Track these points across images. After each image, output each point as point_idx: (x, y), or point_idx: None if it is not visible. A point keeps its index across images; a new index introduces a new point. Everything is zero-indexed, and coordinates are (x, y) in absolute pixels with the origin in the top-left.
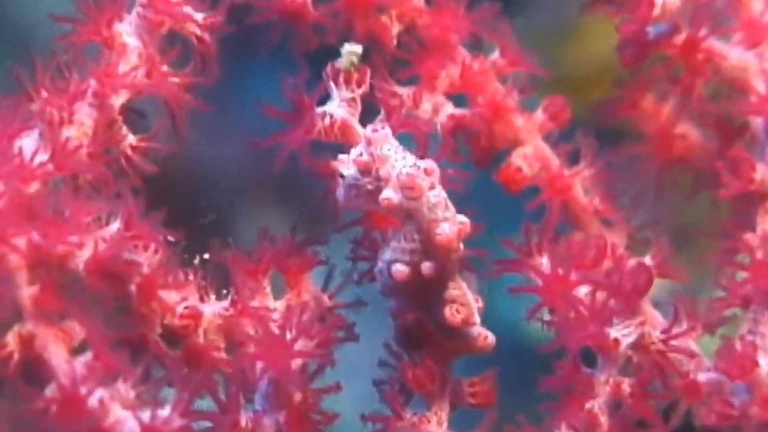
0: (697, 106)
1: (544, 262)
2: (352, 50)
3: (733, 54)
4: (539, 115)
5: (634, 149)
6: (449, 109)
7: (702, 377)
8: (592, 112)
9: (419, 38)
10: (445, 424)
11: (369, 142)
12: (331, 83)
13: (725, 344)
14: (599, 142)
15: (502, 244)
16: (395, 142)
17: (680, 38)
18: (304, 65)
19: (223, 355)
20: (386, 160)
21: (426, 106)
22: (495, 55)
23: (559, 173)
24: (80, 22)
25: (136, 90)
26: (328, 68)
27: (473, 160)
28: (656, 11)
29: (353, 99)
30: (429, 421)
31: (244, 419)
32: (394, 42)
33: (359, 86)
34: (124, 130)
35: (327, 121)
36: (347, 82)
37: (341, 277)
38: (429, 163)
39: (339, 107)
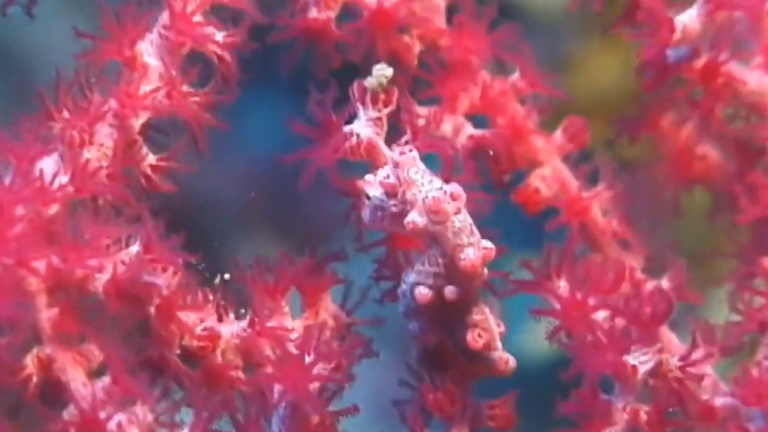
0: (717, 130)
1: (563, 285)
2: (383, 72)
3: (753, 78)
4: (558, 136)
5: (653, 170)
6: (469, 129)
7: (718, 402)
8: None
9: (440, 59)
10: None
11: (396, 165)
12: (358, 102)
13: (742, 370)
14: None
15: (521, 265)
16: (422, 166)
17: (700, 62)
18: (332, 84)
19: (240, 375)
20: (413, 184)
21: (446, 127)
22: (515, 76)
23: (577, 195)
24: (102, 40)
25: (157, 111)
26: (355, 86)
27: (492, 181)
28: (677, 35)
29: (379, 119)
30: None
31: None
32: (416, 62)
33: (386, 106)
34: (144, 150)
35: (354, 140)
36: (374, 102)
37: (359, 293)
38: (455, 188)
39: (365, 127)
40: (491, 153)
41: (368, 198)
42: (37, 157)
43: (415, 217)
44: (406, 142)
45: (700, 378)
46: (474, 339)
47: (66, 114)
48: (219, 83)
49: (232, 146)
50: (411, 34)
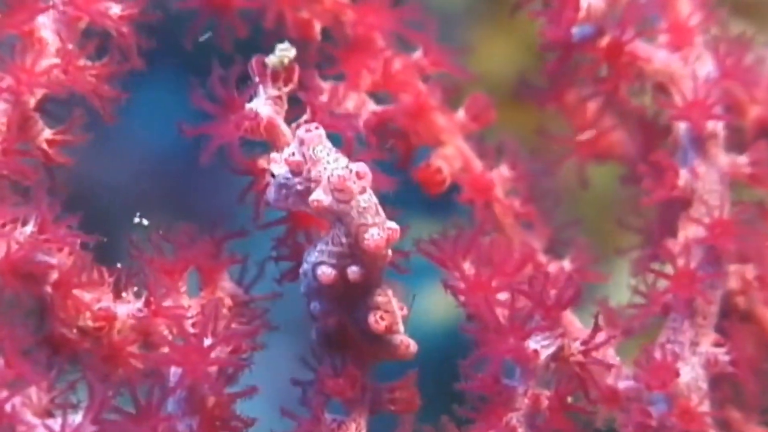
0: (621, 107)
1: (467, 265)
2: (286, 52)
3: (659, 56)
4: (461, 115)
5: (558, 142)
6: (371, 106)
7: (621, 385)
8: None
9: (344, 34)
10: (364, 431)
11: (302, 142)
12: (258, 80)
13: (644, 353)
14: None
15: (429, 243)
16: (328, 144)
17: (604, 41)
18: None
19: (136, 350)
20: (318, 162)
21: (349, 104)
22: (418, 54)
23: (480, 173)
24: (1, 13)
25: (53, 87)
26: (254, 63)
27: (398, 159)
28: (581, 14)
29: (279, 97)
30: (348, 428)
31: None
32: (319, 36)
33: (286, 84)
34: (40, 124)
35: (254, 118)
36: (274, 80)
37: (256, 270)
38: (361, 167)
39: (265, 105)
40: (395, 130)
41: (273, 176)
42: None
43: (320, 195)
44: (306, 121)
45: (607, 365)
46: (376, 321)
47: None
48: (117, 54)
49: (130, 126)
50: (314, 8)
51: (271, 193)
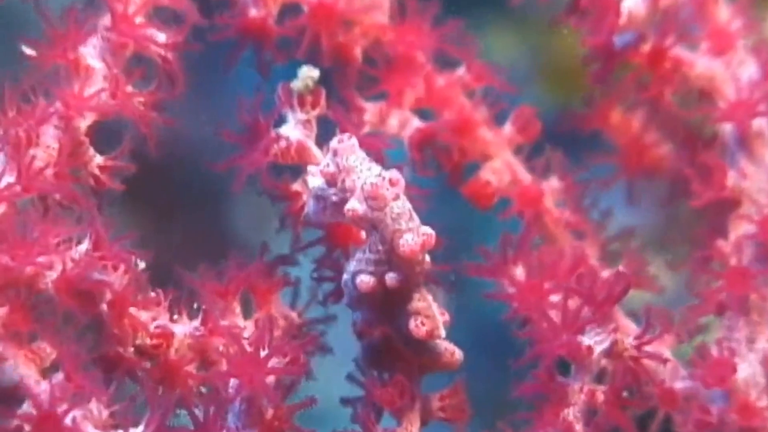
0: (666, 115)
1: (519, 272)
2: (309, 74)
3: (701, 62)
4: (508, 128)
5: (604, 160)
6: (416, 123)
7: (678, 385)
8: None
9: (385, 54)
10: None
11: (335, 153)
12: (285, 106)
13: (701, 351)
14: (571, 152)
15: (478, 252)
16: (361, 153)
17: (647, 47)
18: (264, 85)
19: (194, 370)
20: (352, 171)
21: (393, 122)
22: (461, 70)
23: (529, 185)
24: (45, 44)
25: (102, 112)
26: (280, 89)
27: (448, 179)
28: (622, 20)
29: (308, 121)
30: None
31: None
32: (360, 58)
33: (314, 108)
34: (91, 151)
35: (283, 143)
36: (302, 105)
37: (308, 293)
38: (394, 174)
39: (294, 129)
40: (443, 147)
41: (309, 188)
42: None
43: (355, 204)
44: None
45: (662, 359)
46: (417, 326)
47: (10, 115)
48: (163, 83)
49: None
50: (354, 30)
51: (310, 207)
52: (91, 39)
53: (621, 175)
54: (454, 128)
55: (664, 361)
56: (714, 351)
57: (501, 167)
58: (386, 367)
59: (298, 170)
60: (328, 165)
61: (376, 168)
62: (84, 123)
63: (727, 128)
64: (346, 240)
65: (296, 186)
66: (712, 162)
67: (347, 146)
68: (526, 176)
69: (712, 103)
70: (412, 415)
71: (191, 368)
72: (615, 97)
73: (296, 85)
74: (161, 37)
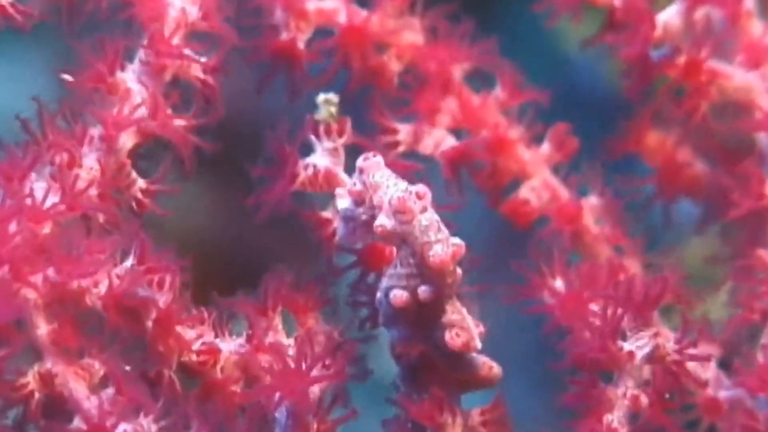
0: (702, 132)
1: (558, 284)
2: (327, 99)
3: (737, 75)
4: (545, 147)
5: (641, 183)
6: (450, 141)
7: (723, 394)
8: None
9: (418, 75)
10: None
11: (361, 171)
12: (312, 136)
13: (744, 358)
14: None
15: (514, 268)
16: (387, 170)
17: (682, 60)
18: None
19: (239, 389)
20: (378, 187)
21: (428, 142)
22: (496, 89)
23: (568, 202)
24: (83, 70)
25: (142, 132)
26: (307, 121)
27: (487, 201)
28: (658, 32)
29: (335, 149)
30: None
31: None
32: (395, 80)
33: (340, 136)
34: (134, 174)
35: (310, 171)
36: (328, 133)
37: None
38: (421, 187)
39: (322, 157)
40: (480, 168)
41: (338, 211)
42: (25, 177)
43: (383, 221)
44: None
45: (704, 357)
46: (452, 338)
47: (51, 138)
48: (200, 107)
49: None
50: (389, 53)
51: (340, 230)
52: (129, 66)
53: (659, 197)
54: (489, 146)
55: (708, 359)
56: (760, 356)
57: (539, 186)
58: (424, 386)
59: (327, 200)
60: (354, 184)
61: (403, 183)
62: (125, 145)
63: (763, 137)
64: (379, 263)
65: (326, 213)
66: (750, 171)
67: (372, 163)
68: (564, 193)
69: (749, 115)
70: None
71: (237, 388)
72: (649, 118)
73: (321, 114)
74: (201, 59)
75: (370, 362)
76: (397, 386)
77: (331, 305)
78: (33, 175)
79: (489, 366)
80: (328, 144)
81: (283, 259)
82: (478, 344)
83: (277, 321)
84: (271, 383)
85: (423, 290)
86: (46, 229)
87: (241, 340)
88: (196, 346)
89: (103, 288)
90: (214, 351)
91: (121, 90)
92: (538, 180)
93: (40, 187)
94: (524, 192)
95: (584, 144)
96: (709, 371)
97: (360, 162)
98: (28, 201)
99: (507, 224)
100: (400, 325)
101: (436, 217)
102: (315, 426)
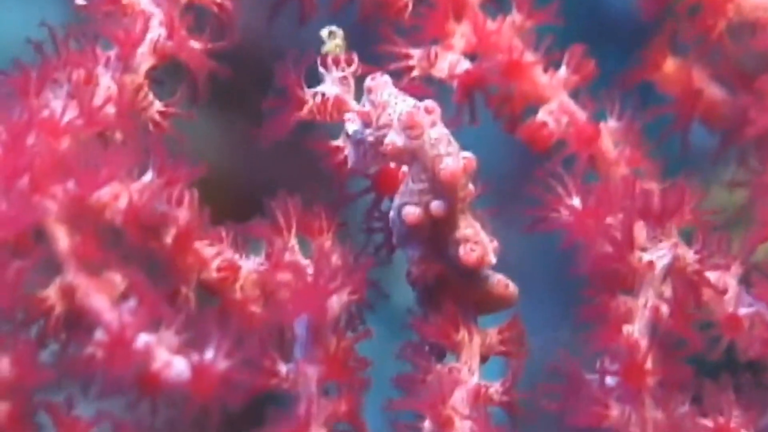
0: (719, 53)
1: (576, 201)
2: (331, 32)
3: None
4: (563, 70)
5: (659, 111)
6: (465, 65)
7: (743, 311)
8: None
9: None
10: (476, 374)
11: (369, 91)
12: (321, 68)
13: (764, 273)
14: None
15: (531, 192)
16: (394, 89)
17: None
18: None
19: (259, 310)
20: (387, 105)
21: (443, 65)
22: (513, 12)
23: (584, 125)
24: None
25: (159, 53)
26: (318, 59)
27: (503, 125)
28: None
29: (344, 77)
30: (460, 371)
31: (285, 369)
32: (408, 9)
33: (349, 65)
34: (151, 96)
35: (318, 99)
36: (336, 64)
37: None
38: (429, 102)
39: (331, 86)
40: (496, 94)
41: (349, 137)
42: (41, 91)
43: (393, 138)
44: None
45: (723, 266)
46: (467, 253)
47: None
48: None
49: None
50: None
51: (351, 155)
52: None
53: (677, 125)
54: (505, 70)
55: (728, 267)
56: None
57: (557, 109)
58: (440, 308)
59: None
60: (363, 105)
61: (411, 99)
62: (142, 65)
63: None
64: (392, 188)
65: (337, 142)
66: (765, 87)
67: (380, 83)
68: (582, 116)
69: (766, 34)
70: (470, 350)
71: (256, 308)
72: (666, 43)
73: (327, 47)
74: None
75: (390, 289)
76: (414, 312)
77: (346, 231)
78: (50, 94)
79: (505, 284)
80: (337, 73)
81: (296, 188)
82: (493, 259)
83: (294, 242)
84: (289, 298)
85: (436, 205)
86: (65, 143)
87: (260, 258)
88: (215, 263)
89: (123, 203)
90: (234, 268)
91: (138, 12)
92: (556, 104)
93: (58, 105)
94: (541, 116)
95: (613, 69)
96: (729, 289)
97: (368, 82)
98: (46, 113)
99: (524, 150)
100: (415, 244)
101: (446, 131)
102: (334, 342)
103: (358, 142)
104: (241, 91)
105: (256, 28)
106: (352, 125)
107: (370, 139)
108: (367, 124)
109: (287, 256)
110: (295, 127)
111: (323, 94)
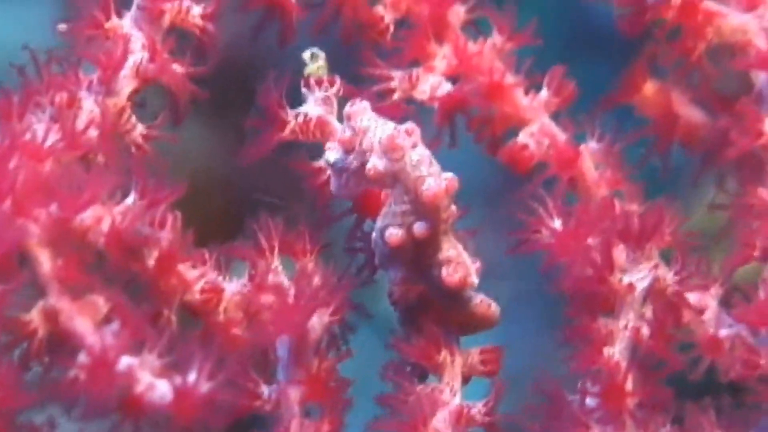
0: (699, 75)
1: (557, 223)
2: (313, 54)
3: (733, 16)
4: (544, 92)
5: (638, 134)
6: (446, 87)
7: (723, 332)
8: None
9: (414, 26)
10: (459, 395)
11: (348, 117)
12: (304, 89)
13: (744, 295)
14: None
15: (512, 213)
16: (374, 114)
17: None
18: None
19: (242, 332)
20: (367, 130)
21: (424, 87)
22: (494, 35)
23: (566, 147)
24: (81, 18)
25: (141, 77)
26: (303, 82)
27: (486, 148)
28: None
29: (327, 98)
30: (442, 392)
31: (267, 391)
32: (389, 31)
33: (332, 86)
34: (133, 119)
35: (301, 119)
36: (319, 84)
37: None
38: (409, 124)
39: (314, 107)
40: (480, 116)
41: (331, 165)
42: (23, 115)
43: (375, 162)
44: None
45: (703, 287)
46: (449, 274)
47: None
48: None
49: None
50: (384, 3)
51: (333, 183)
52: (126, 13)
53: (657, 148)
54: (486, 92)
55: (706, 287)
56: (761, 293)
57: (538, 131)
58: (422, 329)
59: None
60: (344, 131)
61: (391, 123)
62: (124, 89)
63: (762, 78)
64: (375, 210)
65: (318, 163)
66: (747, 110)
67: (359, 108)
68: (563, 138)
69: (745, 56)
70: (452, 371)
71: (239, 331)
72: (645, 66)
73: (309, 69)
74: (197, 8)
75: (373, 307)
76: (396, 333)
77: (329, 253)
78: (33, 117)
79: (487, 304)
80: (319, 94)
81: (278, 208)
82: (475, 280)
83: (277, 264)
84: (270, 319)
85: (418, 226)
86: (47, 166)
87: (244, 280)
88: (198, 285)
89: (105, 225)
90: (217, 290)
91: (120, 36)
92: (537, 126)
93: (40, 128)
94: (522, 138)
95: (596, 88)
96: (709, 310)
97: (347, 109)
98: (28, 136)
99: (505, 172)
100: (397, 265)
101: (427, 152)
102: (316, 363)
103: (339, 170)
104: (224, 109)
105: (239, 46)
106: (333, 153)
107: (353, 165)
108: (348, 150)
109: (271, 278)
110: (280, 146)
111: (306, 115)
